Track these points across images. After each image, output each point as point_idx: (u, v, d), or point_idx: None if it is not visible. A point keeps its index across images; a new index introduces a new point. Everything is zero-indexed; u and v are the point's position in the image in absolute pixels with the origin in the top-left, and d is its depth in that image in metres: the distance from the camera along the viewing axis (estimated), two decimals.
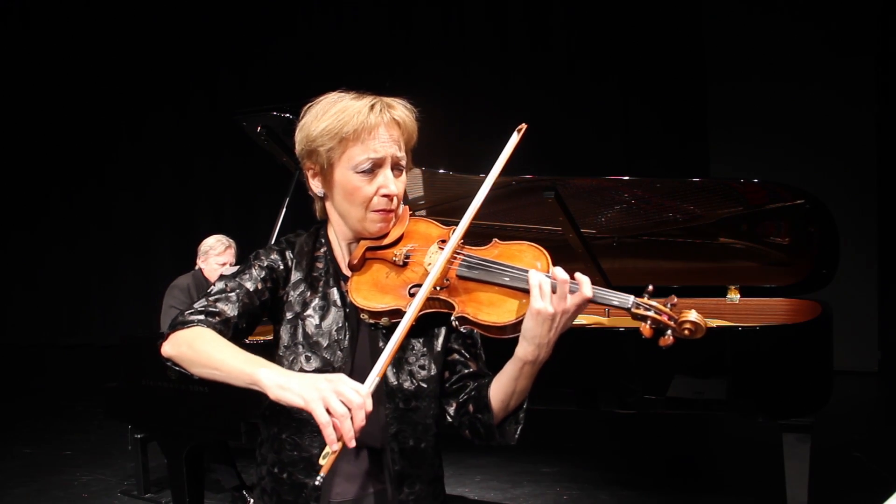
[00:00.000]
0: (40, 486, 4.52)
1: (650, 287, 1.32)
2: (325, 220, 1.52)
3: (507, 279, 1.33)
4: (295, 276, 1.45)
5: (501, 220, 3.33)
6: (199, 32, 8.47)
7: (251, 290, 1.41)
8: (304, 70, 8.11)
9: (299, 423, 1.38)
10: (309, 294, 1.44)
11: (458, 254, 1.38)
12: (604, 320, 3.48)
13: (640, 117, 7.16)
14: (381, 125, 1.38)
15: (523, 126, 1.46)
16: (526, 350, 1.32)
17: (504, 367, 1.39)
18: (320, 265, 1.47)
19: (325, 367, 1.37)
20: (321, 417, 1.16)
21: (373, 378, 1.24)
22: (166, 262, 7.75)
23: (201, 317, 1.36)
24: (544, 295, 1.28)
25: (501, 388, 1.39)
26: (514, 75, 7.38)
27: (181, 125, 8.75)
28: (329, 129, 1.38)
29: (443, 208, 3.84)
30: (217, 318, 1.37)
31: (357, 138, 1.37)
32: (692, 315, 1.29)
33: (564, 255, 3.30)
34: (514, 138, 1.45)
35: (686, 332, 1.29)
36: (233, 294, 1.40)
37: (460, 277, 1.37)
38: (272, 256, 1.46)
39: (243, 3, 8.29)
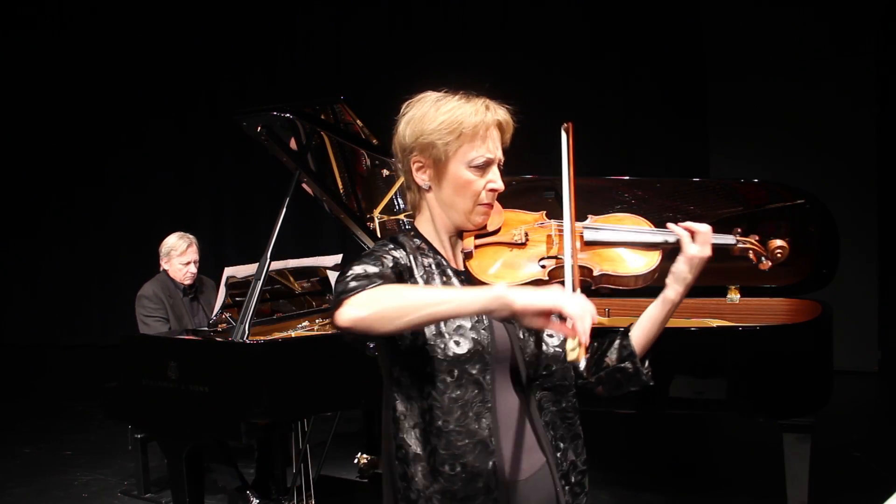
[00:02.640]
0: (40, 486, 4.52)
1: (738, 228, 1.63)
2: (410, 221, 1.60)
3: (634, 237, 1.57)
4: (417, 271, 1.48)
5: None
6: (200, 35, 8.47)
7: (390, 270, 1.41)
8: (305, 72, 8.13)
9: (455, 410, 1.42)
10: (436, 283, 1.49)
11: (578, 225, 1.58)
12: (604, 320, 3.49)
13: (639, 117, 7.16)
14: (494, 126, 1.50)
15: (569, 125, 1.66)
16: (677, 292, 1.55)
17: (646, 314, 1.58)
18: (424, 259, 1.51)
19: (476, 347, 1.43)
20: (574, 310, 1.26)
21: (571, 282, 1.43)
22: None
23: (366, 283, 1.33)
24: (698, 240, 1.52)
25: (647, 332, 1.58)
26: (515, 76, 7.38)
27: (181, 127, 8.75)
28: (447, 123, 1.46)
29: None
30: (374, 280, 1.35)
31: (475, 135, 1.48)
32: (779, 241, 1.62)
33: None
34: (564, 138, 1.64)
35: (778, 254, 1.62)
36: (380, 270, 1.39)
37: (587, 243, 1.57)
38: (393, 255, 1.45)
39: (244, 8, 8.29)
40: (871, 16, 6.47)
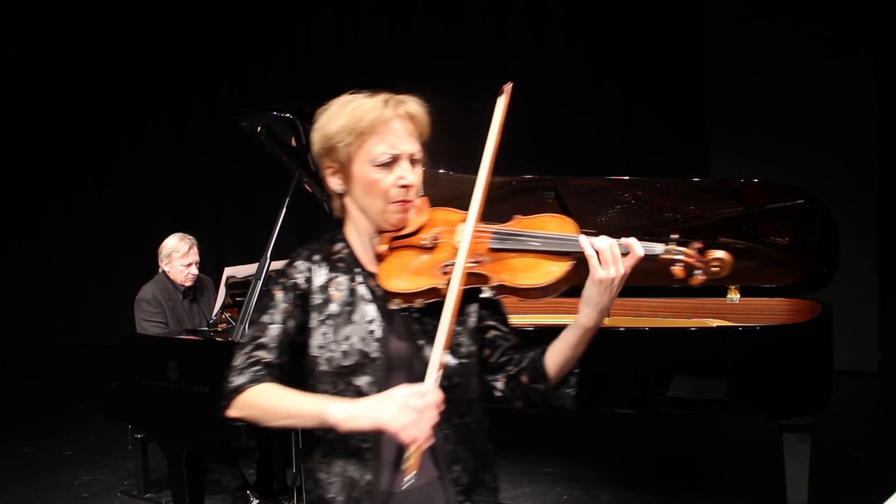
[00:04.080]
0: (40, 486, 4.52)
1: (675, 235, 1.44)
2: (341, 221, 1.57)
3: (543, 245, 1.43)
4: (316, 280, 1.49)
5: (501, 221, 3.33)
6: (199, 35, 8.46)
7: (282, 324, 1.47)
8: (305, 71, 8.12)
9: (357, 453, 1.44)
10: (333, 294, 1.48)
11: (486, 231, 1.47)
12: (604, 320, 3.48)
13: (640, 117, 7.16)
14: (396, 118, 1.45)
15: (508, 85, 1.55)
16: (589, 316, 1.42)
17: (561, 336, 1.47)
18: (341, 265, 1.51)
19: (363, 360, 1.43)
20: (395, 429, 1.28)
21: (433, 369, 1.34)
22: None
23: (248, 376, 1.42)
24: (604, 262, 1.39)
25: (560, 356, 1.47)
26: (515, 76, 7.37)
27: (181, 127, 8.74)
28: (346, 125, 1.44)
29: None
30: (261, 368, 1.43)
31: (373, 132, 1.44)
32: (718, 252, 1.40)
33: None
34: (502, 101, 1.52)
35: (714, 268, 1.40)
36: (266, 338, 1.46)
37: (492, 250, 1.46)
38: (290, 273, 1.51)
39: (243, 8, 8.28)
40: (870, 16, 6.47)
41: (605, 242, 1.40)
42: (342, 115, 1.46)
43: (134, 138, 8.84)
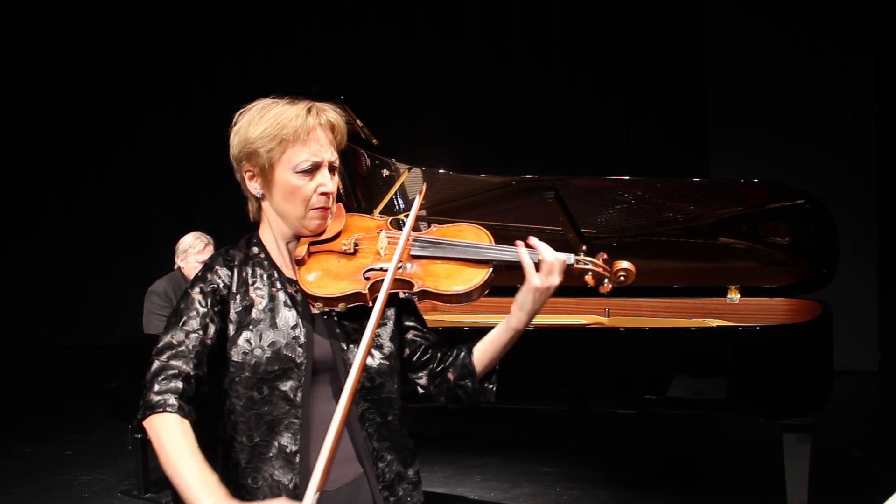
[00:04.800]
0: (40, 486, 4.52)
1: (584, 247, 1.57)
2: (256, 226, 1.59)
3: (463, 253, 1.50)
4: (235, 285, 1.50)
5: (501, 221, 3.33)
6: (198, 30, 8.46)
7: (202, 331, 1.45)
8: (305, 65, 8.13)
9: (272, 423, 1.45)
10: (254, 299, 1.48)
11: (411, 236, 1.53)
12: (604, 320, 3.49)
13: (640, 118, 7.16)
14: (318, 127, 1.47)
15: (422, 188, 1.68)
16: (521, 320, 1.49)
17: (489, 336, 1.54)
18: (259, 269, 1.52)
19: (289, 365, 1.44)
20: None
21: (318, 474, 1.27)
22: (166, 261, 7.70)
23: (163, 396, 1.41)
24: (542, 271, 1.46)
25: (488, 355, 1.53)
26: (515, 76, 7.39)
27: (180, 124, 8.74)
28: (268, 131, 1.45)
29: (442, 208, 3.83)
30: (177, 380, 1.42)
31: (297, 140, 1.45)
32: (624, 263, 1.51)
33: None
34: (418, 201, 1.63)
35: (621, 277, 1.51)
36: (183, 347, 1.44)
37: (414, 257, 1.51)
38: (209, 277, 1.50)
39: (244, 3, 8.28)
40: (870, 17, 6.47)
41: (550, 255, 1.46)
42: (264, 120, 1.47)
43: (133, 136, 8.84)
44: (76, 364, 8.23)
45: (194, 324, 1.45)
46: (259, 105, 1.51)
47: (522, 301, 1.48)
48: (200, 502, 1.29)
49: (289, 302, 1.48)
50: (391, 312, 1.55)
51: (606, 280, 1.51)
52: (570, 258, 1.50)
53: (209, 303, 1.47)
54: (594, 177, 3.33)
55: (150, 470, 4.28)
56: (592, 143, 7.03)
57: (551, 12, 7.43)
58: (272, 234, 1.55)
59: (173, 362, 1.43)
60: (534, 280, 1.46)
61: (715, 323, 3.23)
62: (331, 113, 1.50)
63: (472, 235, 1.55)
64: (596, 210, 3.40)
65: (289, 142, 1.45)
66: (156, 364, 1.44)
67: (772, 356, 2.83)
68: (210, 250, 4.15)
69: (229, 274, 1.51)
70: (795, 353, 2.85)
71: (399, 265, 1.47)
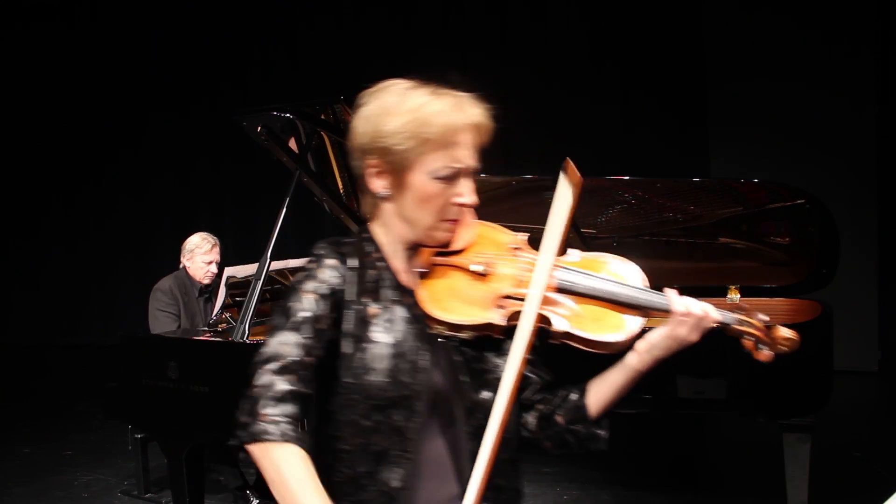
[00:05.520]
0: (40, 486, 4.52)
1: (745, 305, 1.37)
2: (365, 222, 1.39)
3: (626, 299, 1.30)
4: (349, 290, 1.30)
5: (501, 221, 3.33)
6: (199, 35, 8.46)
7: (313, 340, 1.26)
8: (305, 72, 8.13)
9: (379, 455, 1.27)
10: (372, 310, 1.29)
11: (556, 265, 1.30)
12: None
13: (640, 117, 7.16)
14: (466, 130, 1.27)
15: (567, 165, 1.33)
16: (646, 364, 1.33)
17: (605, 378, 1.37)
18: (373, 272, 1.32)
19: (405, 393, 1.26)
20: None
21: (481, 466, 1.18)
22: (166, 262, 7.69)
23: (278, 427, 1.20)
24: (692, 327, 1.30)
25: (604, 398, 1.37)
26: (514, 75, 7.39)
27: (182, 127, 8.73)
28: (408, 127, 1.24)
29: None
30: (290, 403, 1.22)
31: (440, 142, 1.25)
32: (786, 332, 1.35)
33: None
34: (563, 181, 1.32)
35: (782, 347, 1.36)
36: (293, 360, 1.24)
37: (561, 290, 1.29)
38: (327, 274, 1.30)
39: (244, 8, 8.29)
40: (870, 16, 6.47)
41: (698, 306, 1.30)
42: (403, 111, 1.25)
43: (134, 138, 8.83)
44: (76, 364, 8.22)
45: (307, 331, 1.25)
46: (395, 89, 1.29)
47: (655, 345, 1.31)
48: None
49: (407, 318, 1.29)
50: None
51: (766, 347, 1.35)
52: (727, 317, 1.32)
53: (324, 308, 1.27)
54: (594, 177, 3.33)
55: (149, 470, 4.29)
56: (591, 143, 7.02)
57: (549, 10, 7.43)
58: (390, 237, 1.35)
59: (284, 377, 1.22)
60: (678, 329, 1.29)
61: None
62: (478, 110, 1.29)
63: (616, 268, 1.35)
64: (596, 210, 3.40)
65: (430, 143, 1.24)
66: (264, 377, 1.24)
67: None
68: (217, 251, 4.18)
69: (344, 275, 1.30)
70: (795, 352, 2.85)
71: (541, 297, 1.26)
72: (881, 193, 6.56)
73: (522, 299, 1.26)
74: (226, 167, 8.56)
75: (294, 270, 3.86)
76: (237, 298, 3.61)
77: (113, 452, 5.00)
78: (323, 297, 1.28)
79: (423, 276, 1.32)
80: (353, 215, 3.65)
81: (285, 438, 1.19)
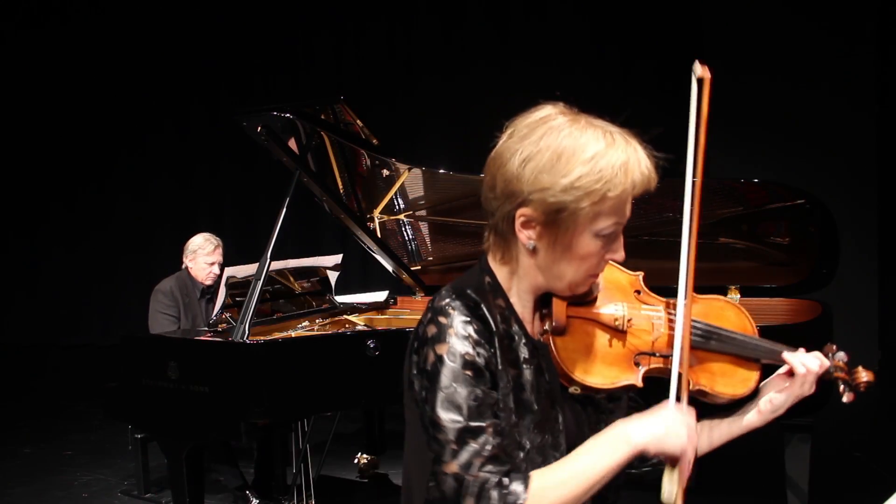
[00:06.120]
0: (40, 486, 4.52)
1: (833, 346, 1.39)
2: (494, 263, 1.24)
3: (741, 349, 1.31)
4: (500, 357, 1.16)
5: None
6: (200, 39, 8.46)
7: (494, 418, 1.12)
8: (306, 76, 8.13)
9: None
10: (512, 373, 1.17)
11: (673, 317, 1.25)
12: None
13: (640, 117, 7.14)
14: (642, 185, 1.17)
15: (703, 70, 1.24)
16: (765, 420, 1.37)
17: (721, 427, 1.41)
18: (505, 327, 1.19)
19: (544, 447, 1.18)
20: (689, 460, 1.19)
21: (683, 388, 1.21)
22: (166, 263, 7.69)
23: (516, 481, 1.08)
24: (808, 382, 1.32)
25: (714, 443, 1.43)
26: (513, 73, 7.38)
27: (182, 129, 8.74)
28: (588, 184, 1.11)
29: (443, 208, 3.83)
30: (503, 484, 1.08)
31: (618, 201, 1.14)
32: (866, 375, 1.37)
33: None
34: (695, 88, 1.25)
35: (862, 387, 1.38)
36: (491, 446, 1.10)
37: (693, 347, 1.25)
38: (474, 343, 1.13)
39: (245, 12, 8.28)
40: (870, 16, 6.47)
41: (815, 363, 1.31)
42: (578, 161, 1.11)
43: (134, 140, 8.83)
44: (76, 364, 8.23)
45: (487, 418, 1.11)
46: (562, 128, 1.15)
47: (779, 405, 1.33)
48: (629, 442, 1.12)
49: (538, 372, 1.19)
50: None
51: (850, 389, 1.38)
52: (828, 364, 1.35)
53: (486, 386, 1.13)
54: None
55: (149, 470, 4.29)
56: None
57: (548, 8, 7.43)
58: (517, 283, 1.22)
59: (491, 469, 1.09)
60: (801, 390, 1.31)
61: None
62: (648, 159, 1.18)
63: (734, 318, 1.33)
64: None
65: (608, 201, 1.12)
66: (472, 487, 1.08)
67: None
68: (220, 253, 4.16)
69: (490, 341, 1.15)
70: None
71: (666, 353, 1.23)
72: (881, 193, 6.56)
73: (660, 355, 1.24)
74: (226, 167, 8.56)
75: (294, 270, 3.86)
76: (237, 298, 3.61)
77: (113, 452, 5.00)
78: (479, 373, 1.12)
79: (559, 331, 1.20)
80: (352, 215, 3.65)
81: (523, 492, 1.07)
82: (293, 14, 8.15)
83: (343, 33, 8.11)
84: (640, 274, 1.32)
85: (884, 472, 4.25)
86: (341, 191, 3.70)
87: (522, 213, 1.15)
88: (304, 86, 8.02)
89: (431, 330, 1.15)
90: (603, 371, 1.20)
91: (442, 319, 1.14)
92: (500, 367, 1.15)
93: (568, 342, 1.20)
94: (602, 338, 1.22)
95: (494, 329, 1.16)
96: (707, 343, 1.28)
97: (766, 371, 1.37)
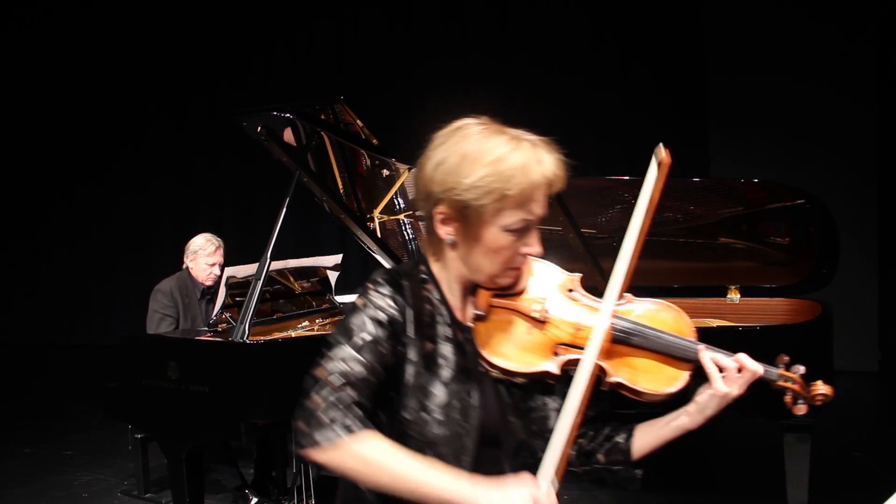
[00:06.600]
0: (40, 486, 4.52)
1: (785, 357, 1.40)
2: (428, 258, 1.38)
3: (665, 348, 1.34)
4: (409, 325, 1.29)
5: None
6: (200, 35, 8.46)
7: (375, 364, 1.25)
8: (305, 71, 8.13)
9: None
10: (427, 347, 1.29)
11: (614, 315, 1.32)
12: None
13: (640, 116, 7.16)
14: (544, 185, 1.27)
15: (664, 152, 1.33)
16: (695, 422, 1.37)
17: (654, 429, 1.41)
18: (430, 308, 1.32)
19: (458, 431, 1.27)
20: None
21: (551, 466, 1.25)
22: (166, 263, 7.68)
23: (354, 420, 1.20)
24: (727, 379, 1.33)
25: (648, 447, 1.41)
26: (513, 71, 7.39)
27: (181, 127, 8.74)
28: (488, 182, 1.23)
29: None
30: (357, 408, 1.22)
31: (519, 199, 1.25)
32: (822, 388, 1.37)
33: (565, 256, 3.31)
34: (654, 168, 1.34)
35: (818, 402, 1.37)
36: (357, 378, 1.23)
37: (615, 341, 1.32)
38: (387, 303, 1.29)
39: (244, 7, 8.28)
40: (870, 15, 6.47)
41: (730, 362, 1.33)
42: (481, 163, 1.23)
43: (134, 138, 8.84)
44: (76, 364, 8.23)
45: (368, 353, 1.25)
46: (470, 135, 1.27)
47: (702, 404, 1.35)
48: (474, 497, 1.17)
49: (461, 354, 1.30)
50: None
51: (802, 401, 1.37)
52: (772, 373, 1.37)
53: (383, 334, 1.27)
54: (594, 176, 3.33)
55: (149, 470, 4.29)
56: (591, 142, 7.02)
57: (548, 6, 7.42)
58: (449, 276, 1.35)
59: (348, 389, 1.22)
60: (723, 387, 1.32)
61: (715, 323, 3.22)
62: (554, 160, 1.28)
63: (671, 321, 1.37)
64: (596, 210, 3.40)
65: (510, 199, 1.24)
66: (326, 390, 1.22)
67: (772, 356, 2.83)
68: (221, 253, 4.16)
69: (402, 308, 1.29)
70: (795, 353, 2.84)
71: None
72: (881, 193, 6.56)
73: (579, 347, 1.29)
74: (226, 167, 8.56)
75: (294, 270, 3.86)
76: (237, 298, 3.61)
77: (113, 452, 5.00)
78: (380, 323, 1.27)
79: (480, 318, 1.33)
80: (352, 215, 3.65)
81: (358, 429, 1.20)
82: (293, 9, 8.14)
83: (342, 25, 8.10)
84: (578, 276, 1.41)
85: (884, 472, 4.25)
86: (341, 191, 3.70)
87: (439, 211, 1.29)
88: (303, 82, 8.02)
89: (358, 296, 1.33)
90: (518, 356, 1.29)
91: (368, 285, 1.32)
92: (410, 334, 1.28)
93: (489, 327, 1.32)
94: (521, 326, 1.32)
95: (412, 303, 1.30)
96: (629, 339, 1.33)
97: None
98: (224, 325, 3.47)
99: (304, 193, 3.48)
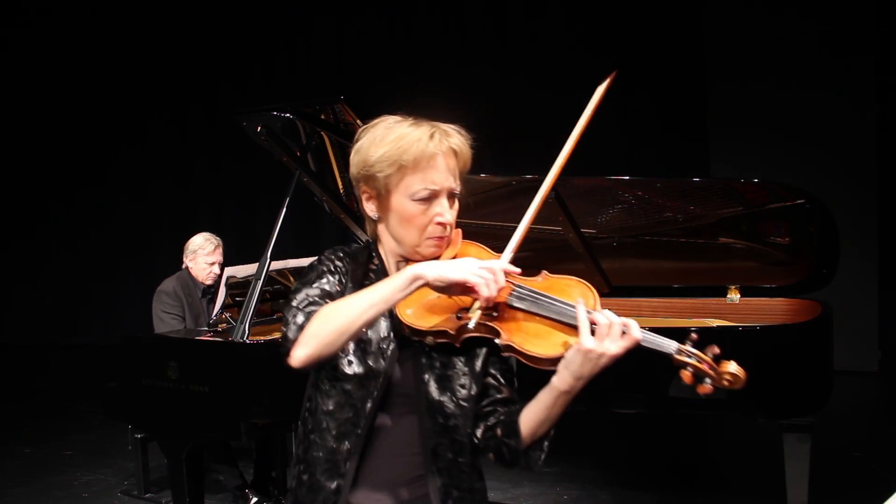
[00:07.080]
0: (40, 486, 4.52)
1: (694, 335, 1.38)
2: (375, 239, 1.56)
3: (557, 313, 1.40)
4: (349, 286, 1.49)
5: (502, 221, 3.33)
6: (200, 36, 8.47)
7: (333, 295, 1.46)
8: (305, 73, 8.13)
9: (327, 423, 1.47)
10: None
11: (510, 283, 1.42)
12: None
13: (640, 117, 7.16)
14: (440, 154, 1.42)
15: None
16: (565, 381, 1.37)
17: (538, 395, 1.44)
18: (373, 277, 1.51)
19: (368, 373, 1.44)
20: (474, 280, 1.32)
21: (508, 253, 1.45)
22: (166, 263, 7.69)
23: (304, 316, 1.41)
24: (598, 334, 1.34)
25: (533, 415, 1.44)
26: (512, 73, 7.39)
27: (182, 128, 8.75)
28: (388, 155, 1.41)
29: None
30: (313, 311, 1.41)
31: (416, 167, 1.41)
32: (732, 367, 1.35)
33: (564, 255, 3.30)
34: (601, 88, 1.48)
35: (725, 382, 1.35)
36: (317, 299, 1.44)
37: (510, 306, 1.42)
38: (338, 264, 1.51)
39: (244, 10, 8.29)
40: (870, 17, 6.47)
41: (604, 317, 1.35)
42: (385, 142, 1.42)
43: (134, 139, 8.84)
44: (76, 364, 8.23)
45: (328, 288, 1.46)
46: (383, 124, 1.47)
47: (569, 360, 1.36)
48: (411, 272, 1.33)
49: (387, 314, 1.46)
50: (481, 353, 1.50)
51: (708, 380, 1.35)
52: (670, 346, 1.36)
53: (338, 280, 1.48)
54: (594, 176, 3.33)
55: (149, 470, 4.29)
56: (591, 142, 7.01)
57: (548, 7, 7.43)
58: (385, 249, 1.54)
59: (312, 308, 1.42)
60: (585, 341, 1.33)
61: (715, 323, 3.22)
62: (455, 138, 1.45)
63: (576, 293, 1.44)
64: (596, 210, 3.39)
65: (408, 168, 1.41)
66: (290, 312, 1.44)
67: (772, 356, 2.83)
68: (220, 252, 4.18)
69: (347, 268, 1.51)
70: (795, 353, 2.84)
71: (490, 311, 1.40)
72: (881, 193, 6.56)
73: (478, 310, 1.38)
74: (226, 167, 8.56)
75: (294, 270, 3.86)
76: (237, 298, 3.62)
77: (113, 452, 5.00)
78: (332, 273, 1.49)
79: None
80: (353, 215, 3.64)
81: (315, 312, 1.38)
82: (293, 8, 8.15)
83: (343, 27, 8.11)
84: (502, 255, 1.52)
85: (884, 472, 4.25)
86: (341, 191, 3.70)
87: (362, 190, 1.49)
88: (303, 83, 8.02)
89: (315, 260, 1.54)
90: (424, 316, 1.42)
91: (325, 252, 1.54)
92: (349, 288, 1.48)
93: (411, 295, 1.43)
94: (432, 294, 1.42)
95: (353, 269, 1.51)
96: (522, 302, 1.42)
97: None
98: (224, 325, 3.48)
99: (304, 193, 3.49)
